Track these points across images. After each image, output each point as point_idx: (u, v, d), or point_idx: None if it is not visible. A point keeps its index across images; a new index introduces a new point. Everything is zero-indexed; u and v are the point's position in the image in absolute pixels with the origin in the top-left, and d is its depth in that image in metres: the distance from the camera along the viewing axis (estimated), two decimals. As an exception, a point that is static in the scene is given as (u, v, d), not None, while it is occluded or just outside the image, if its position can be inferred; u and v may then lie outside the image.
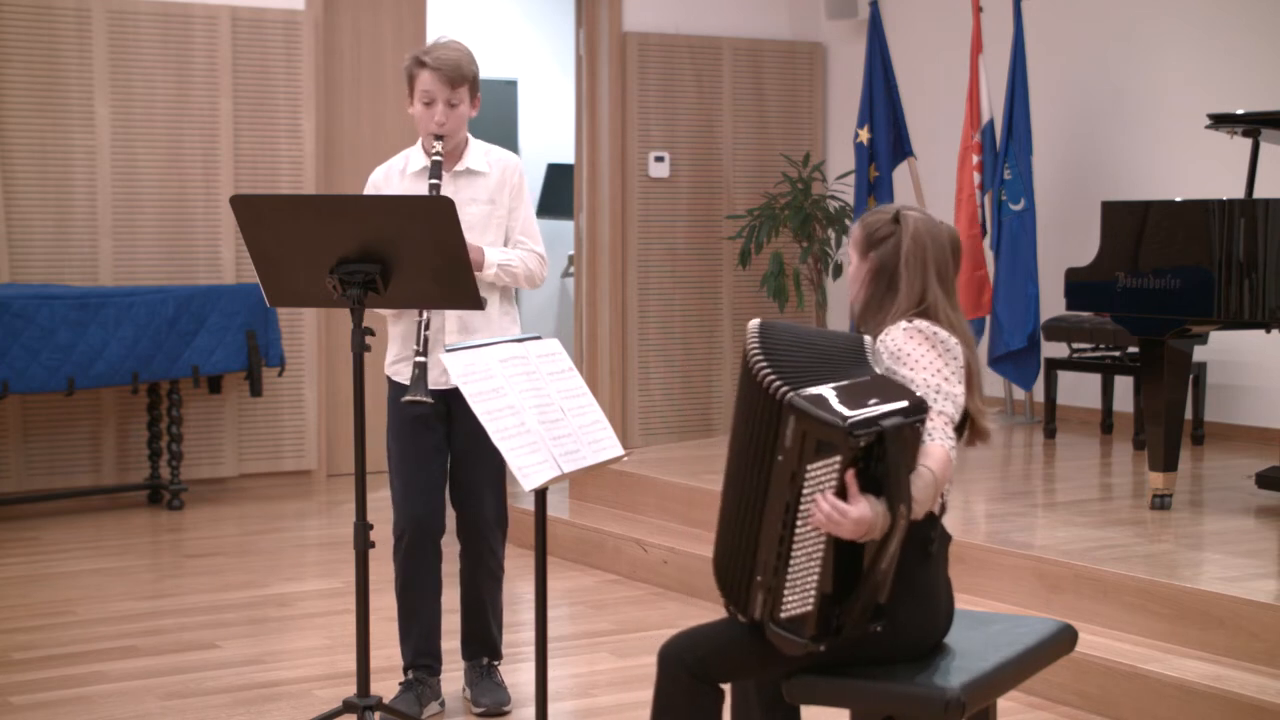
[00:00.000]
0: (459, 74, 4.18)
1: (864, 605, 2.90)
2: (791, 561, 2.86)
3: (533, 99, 11.34)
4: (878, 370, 3.00)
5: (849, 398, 2.83)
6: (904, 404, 2.85)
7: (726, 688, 3.16)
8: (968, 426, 3.12)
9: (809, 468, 2.81)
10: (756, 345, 2.91)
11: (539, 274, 4.35)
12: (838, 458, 2.79)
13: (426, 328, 4.08)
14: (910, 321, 3.06)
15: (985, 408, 3.16)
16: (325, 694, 4.55)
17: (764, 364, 2.88)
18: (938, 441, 2.95)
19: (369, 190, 4.38)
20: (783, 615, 2.88)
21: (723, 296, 9.26)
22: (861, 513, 2.78)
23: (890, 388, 2.91)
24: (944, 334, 3.06)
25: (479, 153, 4.33)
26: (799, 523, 2.83)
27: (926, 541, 3.05)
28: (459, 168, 4.29)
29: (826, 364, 2.95)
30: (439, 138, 4.18)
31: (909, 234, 3.15)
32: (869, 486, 2.81)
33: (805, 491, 2.81)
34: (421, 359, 4.05)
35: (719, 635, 3.06)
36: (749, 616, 2.94)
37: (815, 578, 2.86)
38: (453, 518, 4.41)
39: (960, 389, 3.03)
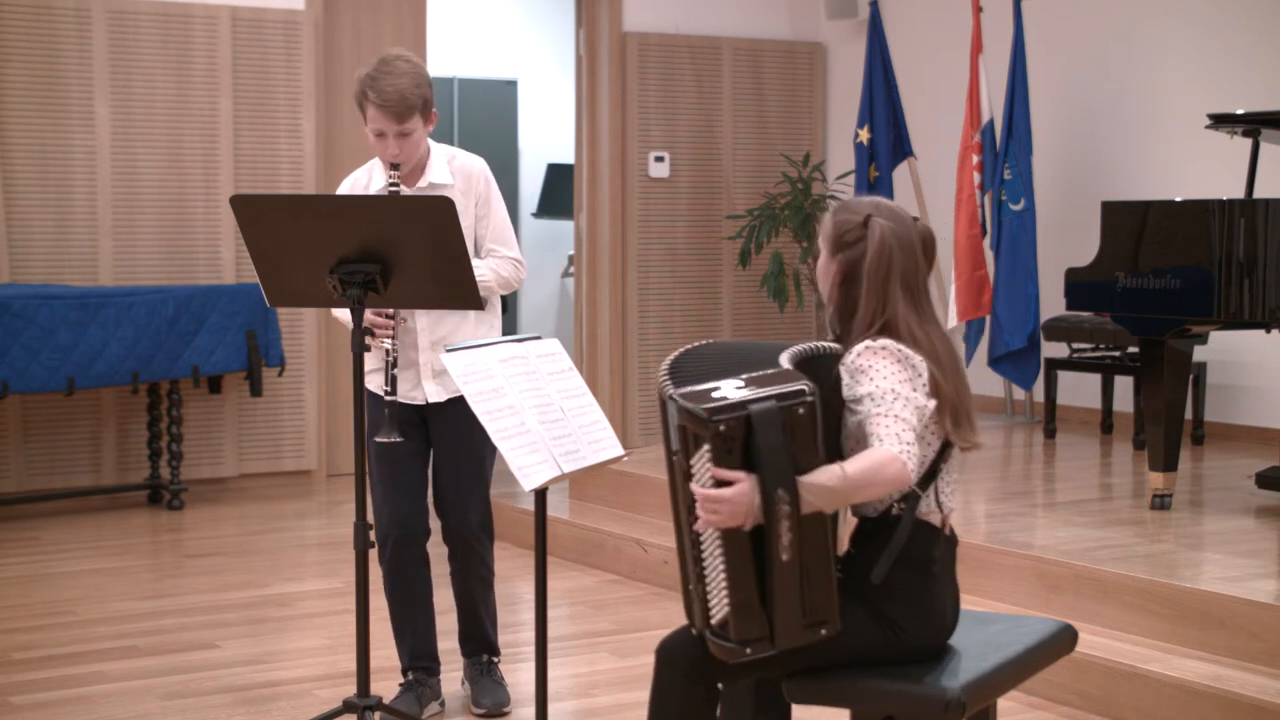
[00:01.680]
0: (405, 106, 4.07)
1: (787, 605, 2.82)
2: (704, 564, 2.84)
3: (533, 99, 11.34)
4: (845, 390, 2.97)
5: (747, 388, 2.78)
6: (784, 388, 2.77)
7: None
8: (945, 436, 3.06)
9: (692, 463, 2.80)
10: (668, 361, 2.96)
11: (515, 279, 4.29)
12: (707, 446, 2.76)
13: (394, 366, 4.02)
14: (874, 340, 3.00)
15: (958, 430, 3.02)
16: (325, 694, 4.55)
17: (664, 371, 2.91)
18: (884, 445, 2.86)
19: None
20: (712, 621, 2.85)
21: (723, 296, 9.26)
22: (730, 495, 2.74)
23: (789, 377, 2.83)
24: (907, 350, 2.99)
25: (441, 163, 4.25)
26: (699, 522, 2.81)
27: (929, 562, 3.02)
28: (421, 184, 4.21)
29: (744, 366, 2.89)
30: (396, 167, 4.12)
31: (874, 243, 3.06)
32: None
33: (695, 488, 2.80)
34: (391, 397, 4.00)
35: None
36: (695, 627, 2.92)
37: (724, 577, 2.82)
38: (438, 526, 4.40)
39: (923, 398, 2.96)
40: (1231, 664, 4.26)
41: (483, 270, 4.16)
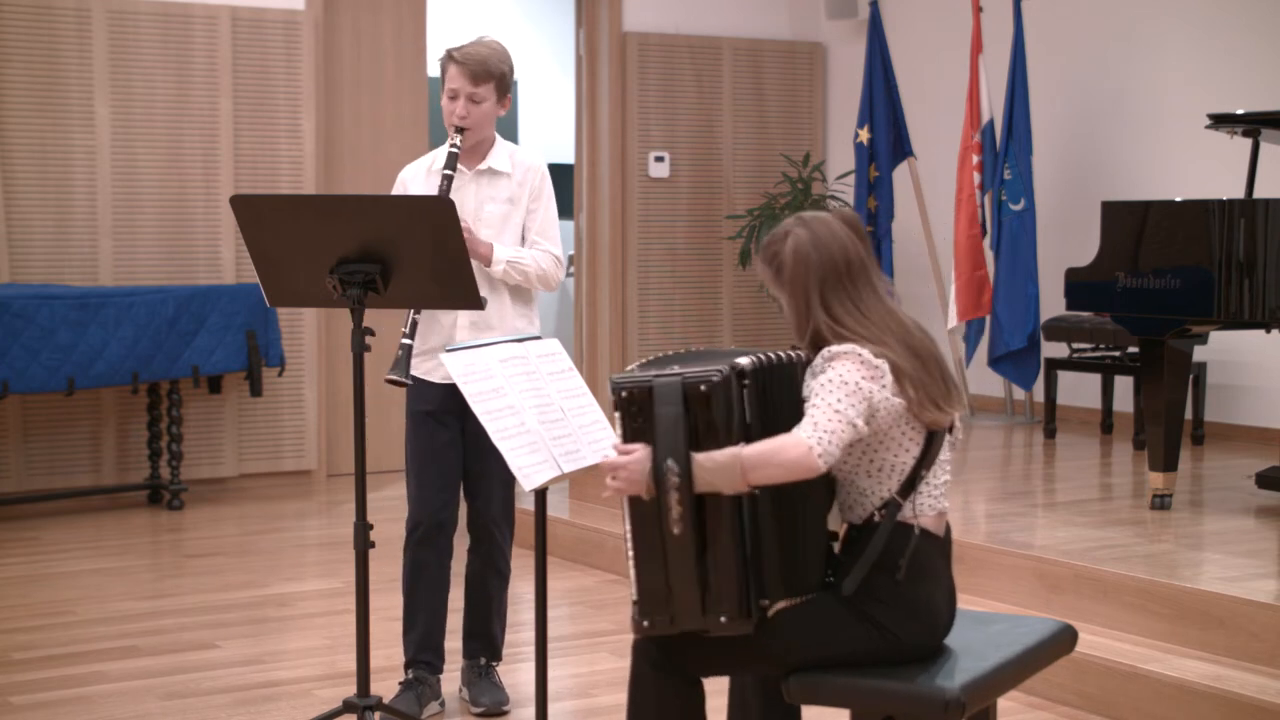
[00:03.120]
0: (483, 69, 4.19)
1: (682, 582, 2.86)
2: (626, 536, 2.95)
3: (533, 99, 11.35)
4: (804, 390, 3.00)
5: (674, 371, 2.89)
6: (697, 369, 2.87)
7: (724, 684, 3.17)
8: (927, 430, 3.04)
9: (619, 436, 2.94)
10: (640, 360, 3.06)
11: (553, 275, 4.35)
12: (617, 415, 2.90)
13: (417, 312, 4.07)
14: (838, 345, 2.99)
15: (919, 394, 2.99)
16: (325, 694, 4.55)
17: (633, 365, 3.03)
18: (795, 432, 2.88)
19: (396, 188, 4.41)
20: (632, 596, 2.96)
21: (723, 296, 9.26)
22: (624, 461, 2.88)
23: (715, 363, 2.89)
24: (866, 353, 2.97)
25: (503, 153, 4.34)
26: (606, 491, 2.94)
27: (913, 564, 3.00)
28: (481, 166, 4.30)
29: (708, 358, 2.98)
30: (460, 131, 4.19)
31: (788, 254, 3.08)
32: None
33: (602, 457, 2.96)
34: (408, 341, 4.03)
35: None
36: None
37: (630, 549, 2.92)
38: (463, 514, 4.42)
39: (882, 394, 2.95)
40: (1231, 664, 4.26)
41: (524, 256, 4.26)
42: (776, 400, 2.99)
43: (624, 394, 2.89)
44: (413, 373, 4.30)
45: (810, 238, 3.08)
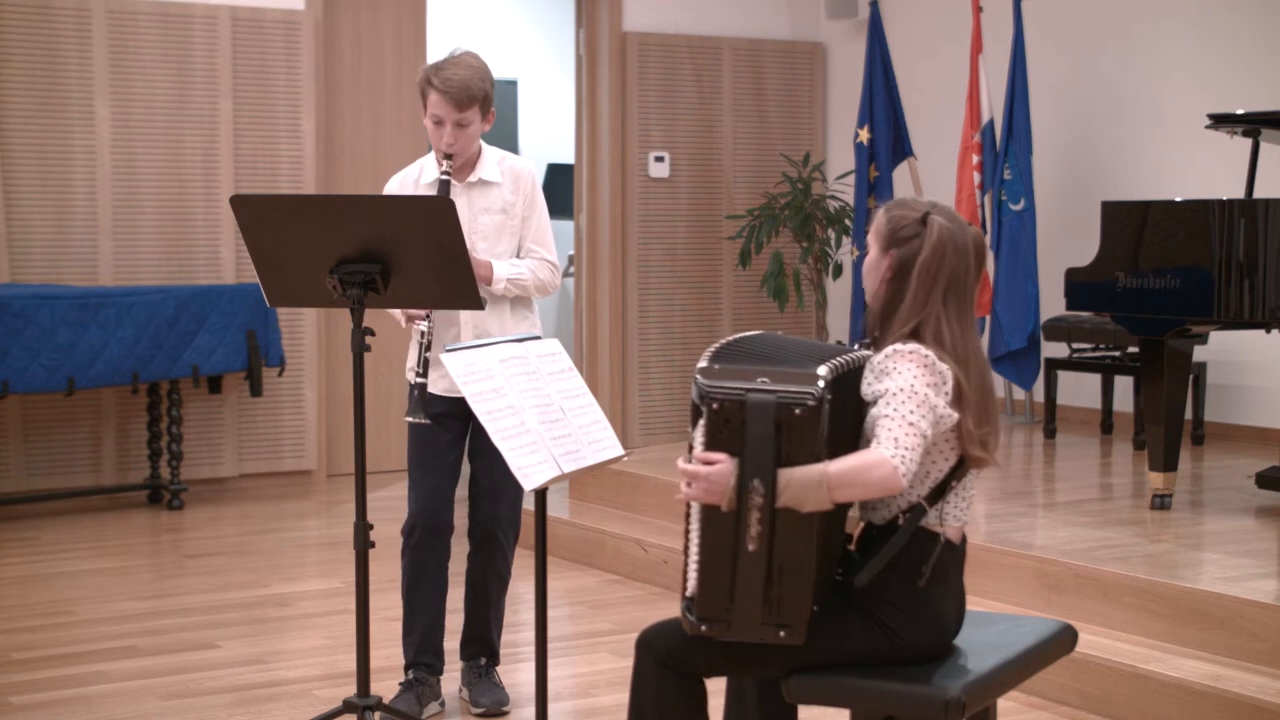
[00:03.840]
0: (467, 96, 4.16)
1: (747, 596, 2.87)
2: (689, 535, 2.93)
3: (533, 99, 11.35)
4: (864, 387, 2.98)
5: (765, 380, 2.85)
6: (792, 388, 2.82)
7: (723, 684, 3.16)
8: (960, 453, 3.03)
9: (692, 436, 2.90)
10: (718, 344, 2.99)
11: (550, 283, 4.36)
12: (701, 422, 2.86)
13: (427, 349, 4.09)
14: (904, 344, 2.98)
15: (979, 430, 3.00)
16: (325, 694, 4.55)
17: (709, 352, 2.96)
18: (880, 447, 2.86)
19: None
20: (686, 592, 2.95)
21: (723, 296, 9.26)
22: (706, 472, 2.83)
23: (808, 381, 2.84)
24: (933, 357, 2.96)
25: (492, 162, 4.33)
26: (680, 493, 2.91)
27: (926, 570, 3.00)
28: (472, 179, 4.29)
29: (785, 362, 2.92)
30: (449, 157, 4.19)
31: (931, 241, 3.02)
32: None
33: (680, 461, 2.92)
34: (421, 380, 4.06)
35: None
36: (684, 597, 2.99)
37: (697, 552, 2.91)
38: (463, 517, 4.41)
39: (945, 407, 2.94)
40: (1231, 664, 4.26)
41: (522, 270, 4.28)
42: (845, 405, 2.97)
43: (715, 406, 2.83)
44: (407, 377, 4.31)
45: (955, 232, 3.04)
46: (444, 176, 4.16)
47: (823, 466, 2.83)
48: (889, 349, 2.99)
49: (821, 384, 2.83)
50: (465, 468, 4.42)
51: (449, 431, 4.31)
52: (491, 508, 4.38)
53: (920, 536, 3.02)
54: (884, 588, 3.01)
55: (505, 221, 4.31)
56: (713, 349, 2.97)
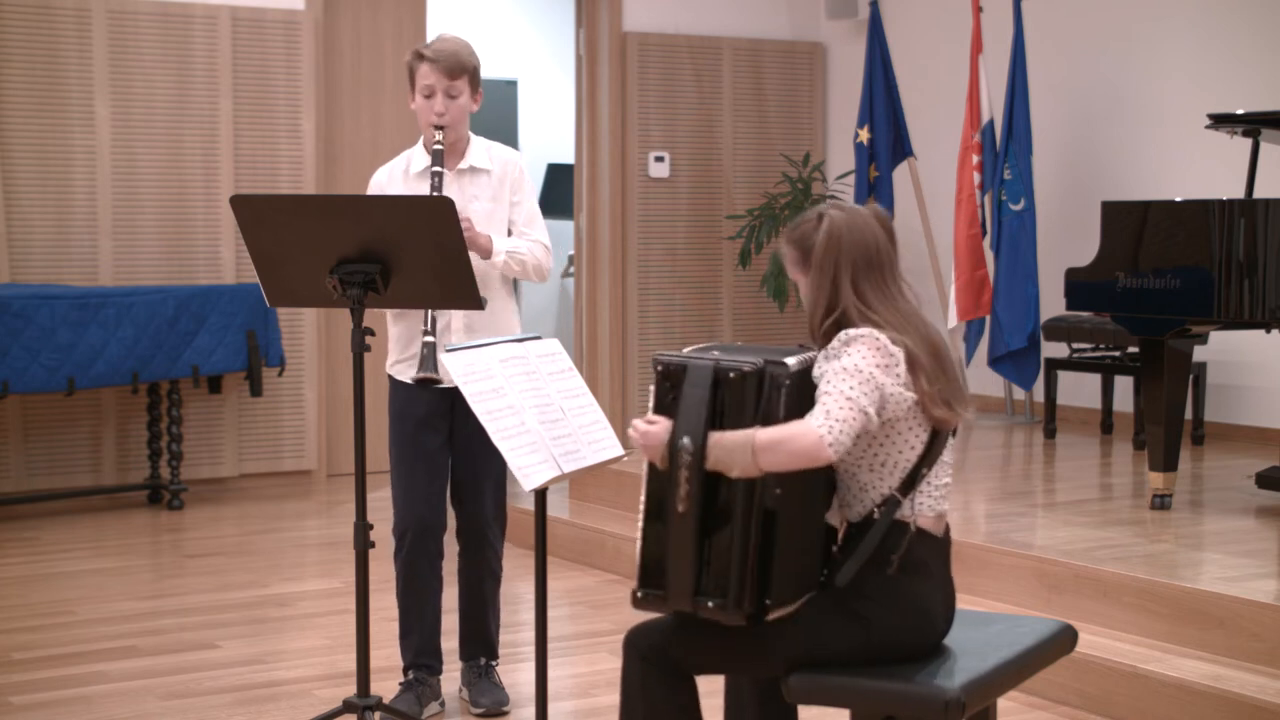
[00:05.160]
0: (457, 64, 4.19)
1: (679, 561, 2.92)
2: (640, 506, 3.01)
3: (533, 99, 11.34)
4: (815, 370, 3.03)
5: (723, 354, 2.99)
6: (733, 358, 2.95)
7: (721, 684, 3.16)
8: (932, 429, 3.05)
9: (649, 402, 3.02)
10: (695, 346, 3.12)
11: (545, 264, 4.37)
12: (652, 387, 2.99)
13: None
14: (856, 329, 3.01)
15: (932, 388, 3.01)
16: (325, 694, 4.55)
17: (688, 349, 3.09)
18: (810, 418, 2.90)
19: (372, 192, 4.39)
20: (637, 561, 3.01)
21: (723, 296, 9.26)
22: (645, 428, 2.96)
23: (754, 356, 2.96)
24: (883, 339, 2.99)
25: (481, 150, 4.34)
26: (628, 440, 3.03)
27: (907, 562, 3.01)
28: (462, 165, 4.29)
29: (750, 351, 3.03)
30: (440, 129, 4.19)
31: (822, 233, 3.10)
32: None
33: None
34: (430, 338, 4.05)
35: (676, 623, 3.07)
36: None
37: (641, 515, 2.99)
38: (452, 516, 4.41)
39: (893, 385, 2.96)
40: (1231, 664, 4.26)
41: (520, 246, 4.28)
42: (807, 394, 3.00)
43: (660, 368, 2.99)
44: (398, 378, 4.31)
45: (846, 220, 3.10)
46: (437, 147, 4.17)
47: (751, 431, 2.89)
48: (841, 335, 3.02)
49: (766, 363, 2.93)
50: None
51: (435, 432, 4.29)
52: (475, 507, 4.37)
53: (894, 528, 3.03)
54: (860, 582, 3.03)
55: (494, 210, 4.31)
56: (697, 346, 3.10)
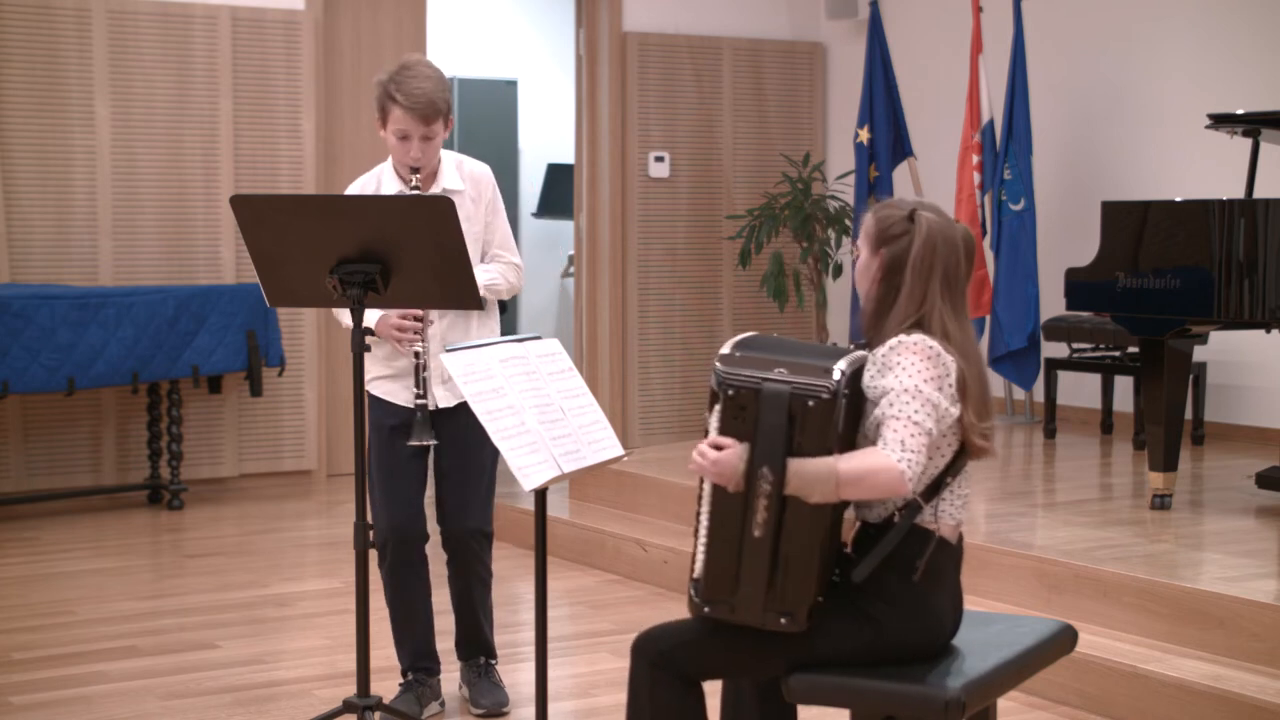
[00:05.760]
0: (433, 110, 4.10)
1: (751, 581, 2.91)
2: (699, 516, 2.98)
3: (533, 99, 11.34)
4: (867, 380, 3.00)
5: (783, 371, 2.91)
6: (807, 380, 2.88)
7: (719, 684, 3.15)
8: (961, 442, 3.05)
9: (708, 420, 2.95)
10: (739, 337, 3.04)
11: (518, 284, 4.40)
12: (718, 407, 2.92)
13: (424, 369, 4.09)
14: (908, 335, 3.00)
15: (981, 424, 3.03)
16: (325, 694, 4.55)
17: (732, 343, 3.01)
18: (887, 450, 2.88)
19: None
20: (694, 573, 2.99)
21: (723, 296, 9.26)
22: (719, 456, 2.89)
23: (824, 374, 2.89)
24: (939, 348, 2.99)
25: (451, 169, 4.30)
26: (692, 464, 2.97)
27: (921, 567, 3.01)
28: (435, 189, 4.24)
29: (796, 352, 2.98)
30: (416, 171, 4.16)
31: (921, 236, 3.05)
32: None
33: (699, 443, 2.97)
34: (422, 401, 4.08)
35: (685, 629, 3.07)
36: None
37: (705, 532, 2.96)
38: (437, 531, 4.40)
39: (947, 402, 2.96)
40: (1231, 664, 4.27)
41: (494, 275, 4.28)
42: (854, 402, 2.99)
43: (730, 392, 2.90)
44: (377, 395, 4.30)
45: (944, 226, 3.07)
46: (415, 190, 4.14)
47: (833, 461, 2.87)
48: (892, 341, 3.00)
49: (838, 377, 2.88)
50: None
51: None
52: (461, 524, 4.35)
53: (915, 533, 3.02)
54: (877, 584, 3.01)
55: (468, 229, 4.27)
56: (736, 339, 3.03)
